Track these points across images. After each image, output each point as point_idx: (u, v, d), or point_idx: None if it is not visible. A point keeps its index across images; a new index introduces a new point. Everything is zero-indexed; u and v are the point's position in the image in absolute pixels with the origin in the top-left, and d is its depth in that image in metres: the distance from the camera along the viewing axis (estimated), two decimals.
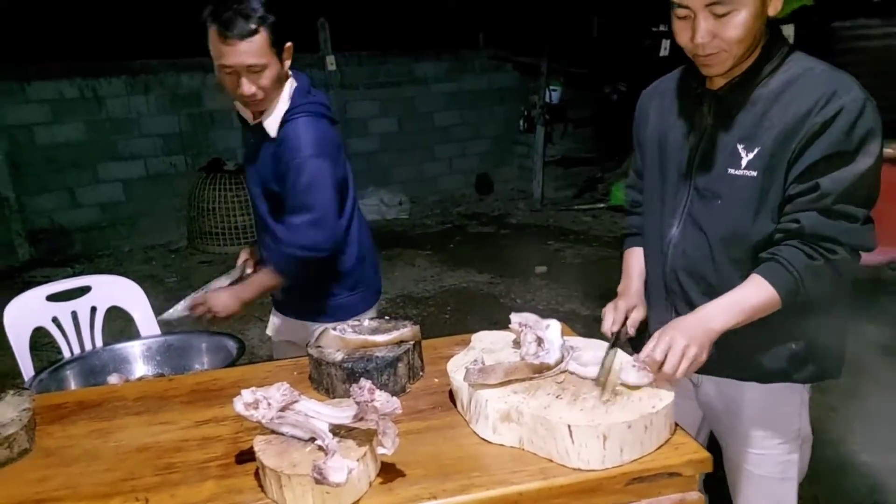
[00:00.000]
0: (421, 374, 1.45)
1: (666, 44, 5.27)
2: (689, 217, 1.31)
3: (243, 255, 1.96)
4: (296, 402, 1.10)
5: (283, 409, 1.09)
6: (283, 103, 1.67)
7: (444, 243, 5.45)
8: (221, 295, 1.77)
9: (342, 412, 1.09)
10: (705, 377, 1.38)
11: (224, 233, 5.21)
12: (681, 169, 1.32)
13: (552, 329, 1.32)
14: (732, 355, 1.28)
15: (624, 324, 1.36)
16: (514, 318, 1.36)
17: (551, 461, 1.09)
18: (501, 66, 6.71)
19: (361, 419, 1.05)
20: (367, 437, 1.07)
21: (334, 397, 1.33)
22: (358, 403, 1.04)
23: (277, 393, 1.09)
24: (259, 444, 1.08)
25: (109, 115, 5.28)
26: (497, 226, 5.98)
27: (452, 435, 1.19)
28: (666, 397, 1.13)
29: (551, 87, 6.23)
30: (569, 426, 1.06)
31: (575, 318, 3.73)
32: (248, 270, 1.88)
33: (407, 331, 1.44)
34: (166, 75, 5.40)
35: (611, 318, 1.36)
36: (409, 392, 1.38)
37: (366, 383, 1.05)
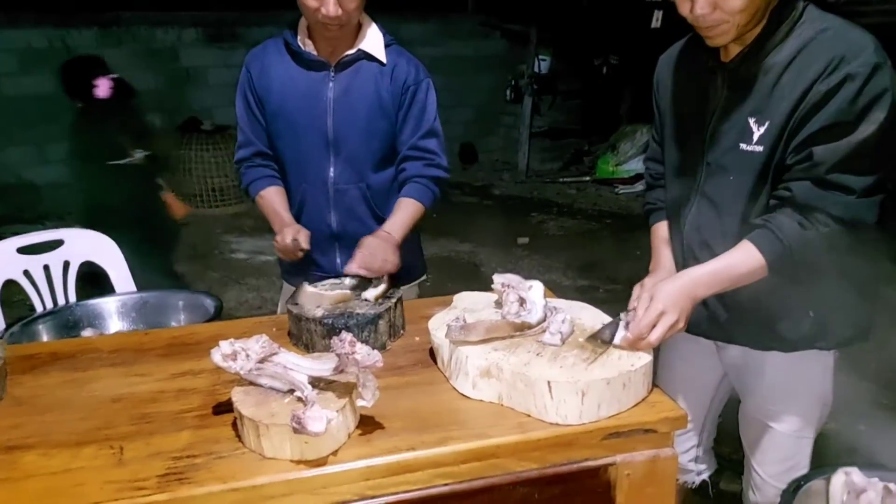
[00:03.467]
0: (402, 332, 1.44)
1: (658, 14, 5.21)
2: (703, 193, 1.30)
3: (289, 234, 1.58)
4: (275, 354, 1.08)
5: (261, 362, 1.08)
6: (374, 31, 1.65)
7: (427, 212, 5.43)
8: (376, 256, 1.52)
9: (322, 364, 1.08)
10: (730, 345, 1.39)
11: (202, 194, 5.12)
12: (695, 143, 1.30)
13: (535, 290, 1.32)
14: (752, 327, 1.29)
15: None
16: (497, 278, 1.35)
17: (529, 416, 1.09)
18: (490, 32, 6.60)
19: (341, 371, 1.05)
20: (346, 390, 1.06)
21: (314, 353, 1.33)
22: (338, 356, 1.03)
23: (256, 345, 1.08)
24: (237, 395, 1.06)
25: None
26: (481, 196, 5.97)
27: (432, 390, 1.19)
28: (644, 357, 1.14)
29: (540, 57, 6.17)
30: (548, 382, 1.06)
31: (556, 288, 3.70)
32: (305, 246, 1.58)
33: (386, 282, 1.45)
34: (139, 29, 5.22)
35: (636, 295, 1.28)
36: (389, 349, 1.37)
37: (347, 335, 1.04)
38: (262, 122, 1.70)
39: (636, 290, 1.34)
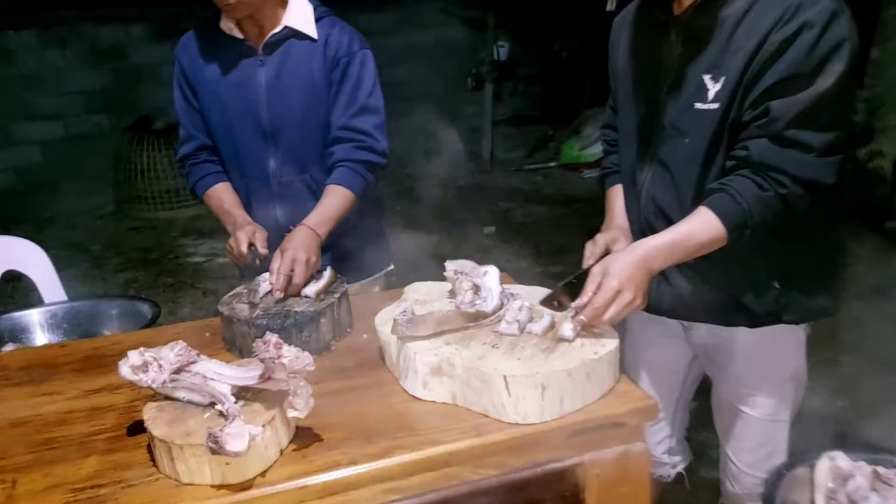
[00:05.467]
0: (348, 330, 1.32)
1: None
2: (658, 158, 1.21)
3: (243, 239, 1.40)
4: (193, 362, 0.95)
5: (177, 372, 0.94)
6: (301, 2, 1.48)
7: (391, 204, 5.28)
8: (298, 261, 1.31)
9: (246, 372, 0.95)
10: (696, 323, 1.30)
11: (155, 197, 4.89)
12: (650, 106, 1.21)
13: (490, 276, 1.21)
14: (717, 302, 1.20)
15: (603, 257, 1.25)
16: (449, 265, 1.24)
17: (486, 416, 0.98)
18: (449, 20, 6.47)
19: (269, 379, 0.92)
20: (276, 400, 0.93)
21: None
22: (263, 361, 0.91)
23: (171, 353, 0.94)
24: (149, 412, 0.93)
25: (21, 71, 4.82)
26: (444, 187, 5.84)
27: (379, 393, 1.07)
28: (609, 343, 1.03)
29: (499, 44, 6.05)
30: (504, 377, 0.95)
31: (525, 276, 3.62)
32: (263, 251, 1.40)
33: (328, 275, 1.31)
34: (83, 27, 4.96)
35: (588, 251, 1.24)
36: (333, 350, 1.25)
37: (271, 338, 0.91)
38: (201, 114, 1.56)
39: (588, 246, 1.26)
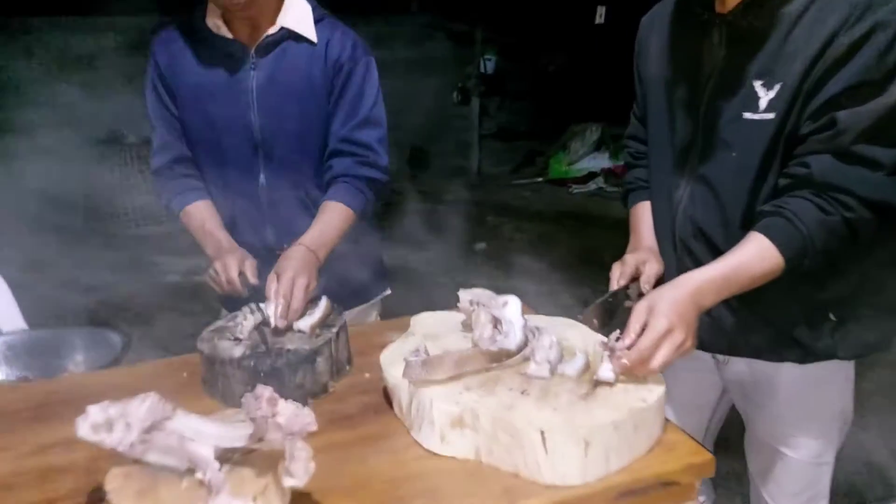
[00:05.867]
0: (348, 368, 1.16)
1: (601, 10, 5.11)
2: (699, 174, 1.09)
3: (233, 265, 1.24)
4: (168, 418, 0.79)
5: (149, 431, 0.78)
6: (300, 3, 1.34)
7: (378, 221, 5.15)
8: (298, 275, 1.17)
9: (233, 430, 0.79)
10: (734, 357, 1.17)
11: (127, 213, 4.68)
12: (688, 116, 1.09)
13: (510, 306, 1.07)
14: (765, 337, 1.07)
15: (634, 280, 1.12)
16: (464, 295, 1.10)
17: (517, 476, 0.83)
18: (434, 34, 6.39)
19: (260, 440, 0.76)
20: (269, 463, 0.78)
21: (234, 406, 1.04)
22: (254, 420, 0.75)
23: (141, 408, 0.78)
24: (114, 480, 0.77)
25: None
26: (433, 202, 5.72)
27: (389, 447, 0.92)
28: (656, 388, 0.90)
29: (486, 57, 5.99)
30: (541, 431, 0.81)
31: (519, 295, 3.53)
32: (253, 281, 1.24)
33: (324, 305, 1.16)
34: (52, 36, 4.76)
35: (617, 273, 1.13)
36: (332, 392, 1.09)
37: (264, 391, 0.76)
38: (180, 121, 1.40)
39: (616, 267, 1.14)
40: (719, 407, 1.33)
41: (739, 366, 1.18)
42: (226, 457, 0.78)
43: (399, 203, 5.65)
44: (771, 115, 0.99)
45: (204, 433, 0.79)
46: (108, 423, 0.77)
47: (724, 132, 1.03)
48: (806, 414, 1.14)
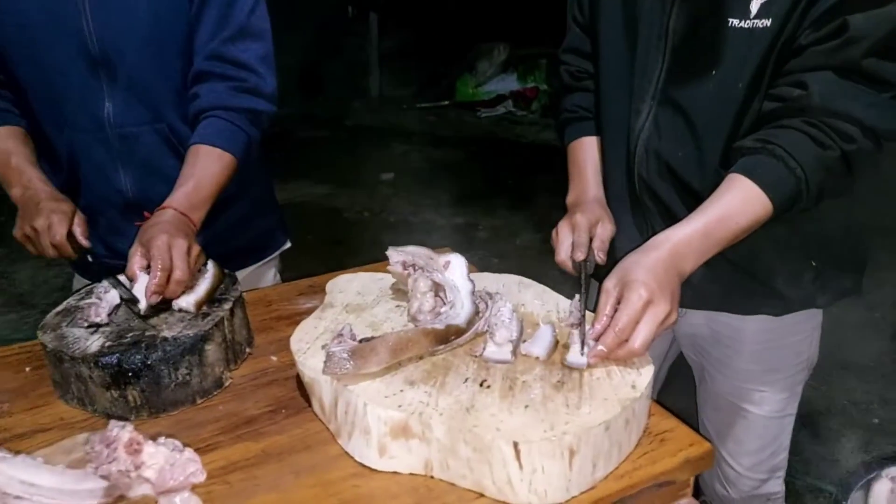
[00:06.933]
0: (248, 351, 0.91)
1: None
2: (666, 97, 0.89)
3: (59, 222, 0.96)
4: None
5: None
6: None
7: (270, 151, 4.68)
8: (174, 237, 0.88)
9: (81, 482, 0.54)
10: (693, 311, 1.03)
11: None
12: (652, 22, 0.88)
13: (454, 267, 0.86)
14: (737, 288, 0.93)
15: (589, 248, 0.92)
16: (395, 255, 0.87)
17: (482, 496, 0.65)
18: None
19: (121, 499, 0.51)
20: None
21: (96, 412, 0.77)
22: (106, 477, 0.50)
23: None
24: None
25: None
26: (332, 129, 5.30)
27: (309, 463, 0.70)
28: (645, 369, 0.73)
29: None
30: (514, 444, 0.62)
31: (433, 229, 3.35)
32: (84, 243, 0.99)
33: (211, 274, 0.90)
34: None
35: (568, 242, 0.91)
36: (228, 386, 0.84)
37: (120, 433, 0.51)
38: None
39: (562, 230, 0.93)
40: (664, 364, 1.23)
41: (697, 318, 1.06)
42: None
43: (292, 130, 5.17)
44: (765, 22, 0.80)
45: (38, 487, 0.53)
46: None
47: (701, 44, 0.84)
48: (772, 367, 1.04)
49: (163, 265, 0.84)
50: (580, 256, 0.88)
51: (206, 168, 0.99)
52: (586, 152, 1.06)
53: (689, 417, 0.81)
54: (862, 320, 2.32)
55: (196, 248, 0.90)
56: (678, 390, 1.23)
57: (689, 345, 1.13)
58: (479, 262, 0.98)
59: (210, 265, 0.92)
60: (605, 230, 0.94)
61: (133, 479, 0.51)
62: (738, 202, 0.80)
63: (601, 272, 0.85)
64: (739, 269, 0.94)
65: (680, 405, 0.81)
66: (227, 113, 1.03)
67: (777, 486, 1.13)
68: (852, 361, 2.22)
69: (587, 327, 0.75)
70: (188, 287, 0.87)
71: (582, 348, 0.73)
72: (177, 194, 0.96)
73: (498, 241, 3.23)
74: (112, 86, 1.02)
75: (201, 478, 0.53)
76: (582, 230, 0.92)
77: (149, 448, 0.52)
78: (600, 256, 0.90)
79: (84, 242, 0.96)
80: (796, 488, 1.70)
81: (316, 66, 5.93)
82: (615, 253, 0.94)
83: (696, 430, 0.75)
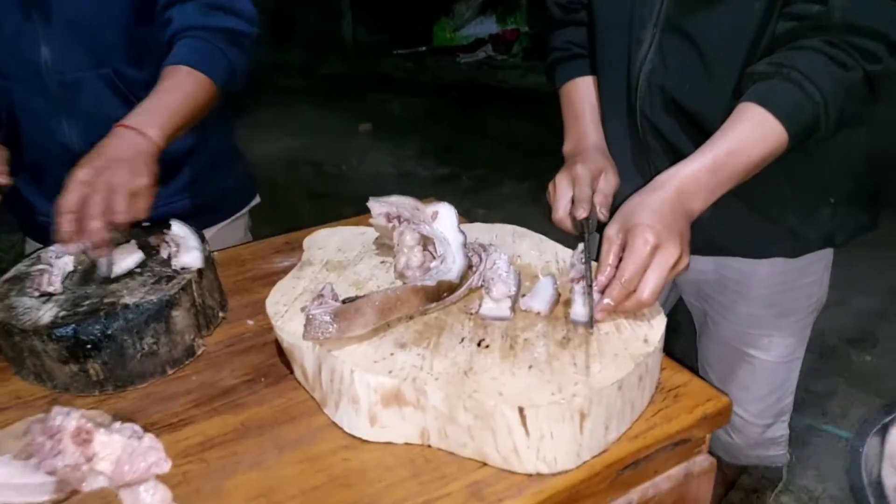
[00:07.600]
0: (221, 315, 0.84)
1: None
2: (671, 23, 0.80)
3: None
4: None
5: None
6: None
7: (241, 103, 4.47)
8: (114, 172, 0.76)
9: (27, 477, 0.46)
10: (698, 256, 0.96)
11: None
12: None
13: (443, 218, 0.78)
14: (751, 231, 0.87)
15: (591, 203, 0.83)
16: (377, 207, 0.79)
17: (484, 465, 0.60)
18: None
19: (73, 494, 0.45)
20: None
21: (56, 388, 0.69)
22: (54, 474, 0.43)
23: None
24: None
25: None
26: (305, 78, 5.08)
27: (295, 437, 0.64)
28: (657, 320, 0.67)
29: None
30: (520, 409, 0.56)
31: (414, 182, 3.24)
32: (4, 181, 0.87)
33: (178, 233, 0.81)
34: None
35: (567, 197, 0.82)
36: (200, 355, 0.77)
37: (65, 421, 0.43)
38: None
39: (560, 182, 0.84)
40: (664, 307, 1.18)
41: (705, 264, 1.00)
42: None
43: (263, 79, 4.93)
44: None
45: None
46: None
47: None
48: (782, 312, 0.99)
49: (100, 214, 0.73)
50: (582, 214, 0.79)
51: (175, 85, 0.87)
52: (582, 94, 0.97)
53: (689, 367, 0.76)
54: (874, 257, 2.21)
55: (144, 182, 0.77)
56: (674, 338, 1.19)
57: (693, 291, 1.08)
58: (465, 214, 0.90)
59: (174, 223, 0.83)
60: (608, 183, 0.86)
61: (85, 472, 0.44)
62: (750, 133, 0.73)
63: (602, 228, 0.78)
64: (751, 208, 0.88)
65: (677, 355, 0.76)
66: (201, 32, 0.91)
67: (782, 429, 1.11)
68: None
69: (594, 294, 0.67)
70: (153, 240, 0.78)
71: (591, 325, 0.65)
72: (135, 110, 0.83)
73: (483, 191, 3.15)
74: (47, 27, 0.90)
75: (165, 467, 0.46)
76: (583, 183, 0.82)
77: (101, 437, 0.44)
78: (603, 213, 0.82)
79: (3, 180, 0.84)
80: (811, 436, 1.68)
81: (286, 11, 5.64)
82: (615, 199, 0.87)
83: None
